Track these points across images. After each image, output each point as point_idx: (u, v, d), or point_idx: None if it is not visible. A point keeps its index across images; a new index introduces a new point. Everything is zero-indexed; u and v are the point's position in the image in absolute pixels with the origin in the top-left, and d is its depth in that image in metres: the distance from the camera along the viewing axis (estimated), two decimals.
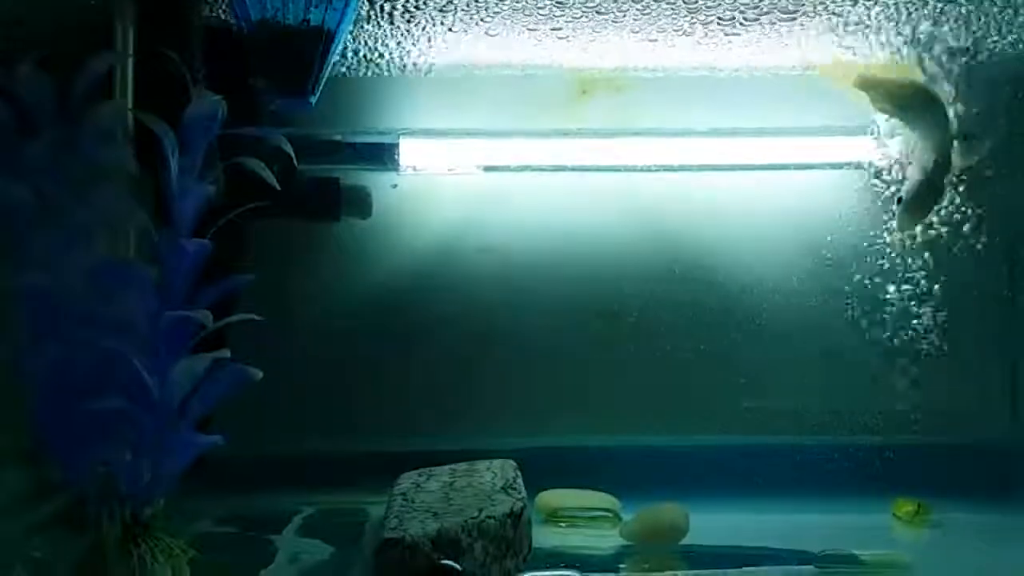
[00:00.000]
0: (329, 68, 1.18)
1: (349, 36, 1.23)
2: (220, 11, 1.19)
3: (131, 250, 0.98)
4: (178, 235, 0.89)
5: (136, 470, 0.85)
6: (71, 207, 0.85)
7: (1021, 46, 1.29)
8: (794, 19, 1.22)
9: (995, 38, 1.27)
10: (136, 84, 1.08)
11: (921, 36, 1.26)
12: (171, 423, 0.86)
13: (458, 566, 0.95)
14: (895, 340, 1.40)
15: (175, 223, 0.89)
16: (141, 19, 1.08)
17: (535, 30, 1.26)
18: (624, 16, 1.21)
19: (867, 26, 1.23)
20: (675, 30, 1.25)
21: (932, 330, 1.40)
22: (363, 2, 1.14)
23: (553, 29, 1.25)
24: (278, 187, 0.94)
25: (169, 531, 0.87)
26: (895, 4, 1.18)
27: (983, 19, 1.22)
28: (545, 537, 1.17)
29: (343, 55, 1.31)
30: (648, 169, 1.43)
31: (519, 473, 1.19)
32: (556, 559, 1.10)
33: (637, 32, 1.27)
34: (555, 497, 1.27)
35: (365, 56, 1.34)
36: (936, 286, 1.39)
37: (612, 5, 1.17)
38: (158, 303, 0.87)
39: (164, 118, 0.88)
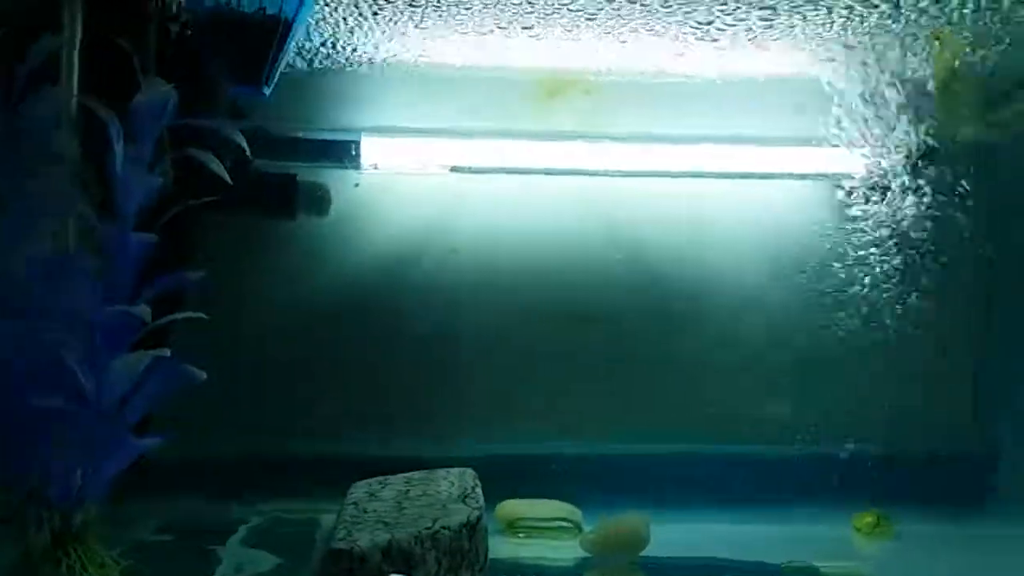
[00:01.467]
0: (285, 58, 1.15)
1: (310, 27, 1.20)
2: None
3: (72, 241, 0.94)
4: (123, 227, 0.86)
5: (67, 474, 0.81)
6: (10, 195, 0.81)
7: None
8: (771, 26, 1.20)
9: None
10: (84, 71, 1.04)
11: None
12: (107, 423, 0.83)
13: None
14: (859, 352, 1.39)
15: (120, 214, 0.86)
16: (91, 3, 1.05)
17: (506, 28, 1.23)
18: (596, 15, 1.19)
19: None
20: (648, 31, 1.24)
21: (896, 342, 1.39)
22: None
23: (524, 28, 1.23)
24: (229, 180, 0.91)
25: (102, 539, 0.83)
26: None
27: None
28: (504, 548, 1.15)
29: (303, 47, 1.27)
30: (615, 174, 1.41)
31: (479, 482, 1.15)
32: (514, 570, 1.08)
33: (609, 33, 1.25)
34: (515, 507, 1.24)
35: (327, 49, 1.30)
36: (903, 298, 1.38)
37: (584, 2, 1.15)
38: (99, 297, 0.84)
39: (113, 106, 0.85)
